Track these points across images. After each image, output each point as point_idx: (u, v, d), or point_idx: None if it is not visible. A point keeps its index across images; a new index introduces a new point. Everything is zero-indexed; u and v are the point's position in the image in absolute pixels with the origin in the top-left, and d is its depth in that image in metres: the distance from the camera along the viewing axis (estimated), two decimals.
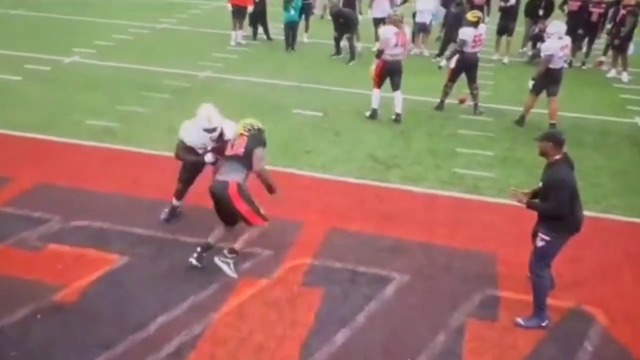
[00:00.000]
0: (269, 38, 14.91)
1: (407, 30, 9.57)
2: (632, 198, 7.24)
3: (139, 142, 8.41)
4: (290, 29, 13.87)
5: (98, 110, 9.54)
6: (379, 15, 13.60)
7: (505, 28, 13.47)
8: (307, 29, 15.04)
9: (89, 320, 4.86)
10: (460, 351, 4.65)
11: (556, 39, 9.15)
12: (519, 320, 4.98)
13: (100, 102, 9.98)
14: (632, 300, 5.28)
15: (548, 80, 9.20)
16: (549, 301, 5.18)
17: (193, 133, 6.11)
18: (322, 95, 10.96)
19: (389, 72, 9.56)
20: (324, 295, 5.24)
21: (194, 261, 5.54)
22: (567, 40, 9.33)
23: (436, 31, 14.60)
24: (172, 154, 7.12)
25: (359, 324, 4.91)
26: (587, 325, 4.95)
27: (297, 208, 6.68)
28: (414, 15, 14.14)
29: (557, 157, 4.79)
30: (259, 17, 14.57)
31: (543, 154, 4.88)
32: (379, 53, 9.57)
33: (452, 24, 12.48)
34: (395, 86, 9.62)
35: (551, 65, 9.13)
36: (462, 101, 10.17)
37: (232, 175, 5.48)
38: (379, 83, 9.68)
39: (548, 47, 9.21)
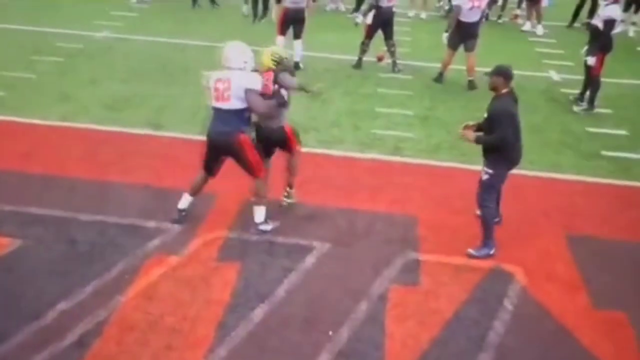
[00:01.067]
0: None
1: None
2: (549, 154, 7.52)
3: (30, 111, 7.89)
4: None
5: None
6: None
7: None
8: None
9: None
10: (383, 318, 4.69)
11: None
12: (471, 250, 5.42)
13: None
14: (549, 258, 5.50)
15: (461, 34, 9.34)
16: (470, 262, 5.35)
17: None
18: None
19: (291, 20, 9.72)
20: (241, 270, 5.13)
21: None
22: None
23: None
24: (66, 123, 6.72)
25: (278, 297, 4.85)
26: (506, 285, 5.11)
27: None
28: None
29: (504, 90, 5.22)
30: None
31: (493, 88, 5.29)
32: None
33: None
34: (296, 35, 9.84)
35: (462, 18, 9.27)
36: (380, 59, 10.17)
37: None
38: (281, 29, 9.85)
39: None
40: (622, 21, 12.80)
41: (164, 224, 5.64)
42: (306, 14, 9.84)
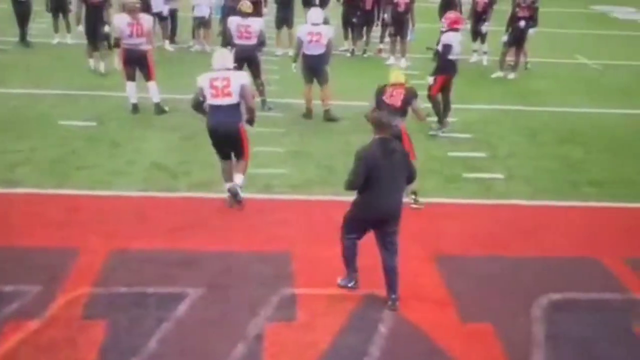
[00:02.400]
0: (24, 41, 13.91)
1: (145, 19, 9.90)
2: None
3: None
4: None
5: None
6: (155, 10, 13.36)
7: (283, 20, 14.07)
8: (68, 27, 14.23)
9: None
10: (260, 358, 4.77)
11: (309, 24, 9.88)
12: (339, 280, 5.67)
13: None
14: (420, 280, 5.84)
15: (307, 66, 9.96)
16: (344, 291, 5.57)
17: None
18: (95, 102, 10.49)
19: (133, 62, 9.78)
20: (108, 326, 5.01)
21: None
22: (321, 28, 9.90)
23: (217, 25, 14.72)
24: None
25: (150, 350, 4.79)
26: (381, 310, 5.37)
27: (72, 233, 6.33)
28: (193, 8, 14.15)
29: (376, 137, 5.36)
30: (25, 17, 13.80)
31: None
32: (116, 41, 10.01)
33: (228, 16, 12.66)
34: (145, 77, 9.93)
35: (305, 51, 9.88)
36: None
37: None
38: (127, 75, 9.92)
39: (298, 31, 10.10)
40: (475, 51, 14.13)
41: (21, 286, 5.40)
42: (148, 57, 9.83)
